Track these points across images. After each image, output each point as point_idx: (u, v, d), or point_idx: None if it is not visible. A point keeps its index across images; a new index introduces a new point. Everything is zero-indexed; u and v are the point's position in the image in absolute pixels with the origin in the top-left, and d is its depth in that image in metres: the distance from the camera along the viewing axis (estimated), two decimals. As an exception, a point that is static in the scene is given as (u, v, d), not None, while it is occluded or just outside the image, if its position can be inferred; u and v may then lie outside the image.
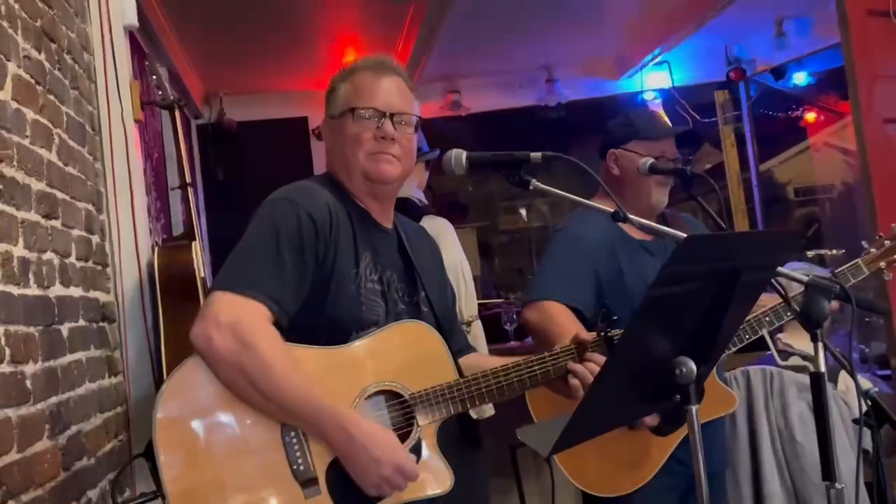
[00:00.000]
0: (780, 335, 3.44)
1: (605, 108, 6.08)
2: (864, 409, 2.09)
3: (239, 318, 1.64)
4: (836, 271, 2.49)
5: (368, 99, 1.87)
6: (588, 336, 1.90)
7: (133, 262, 2.86)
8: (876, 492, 2.24)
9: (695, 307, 1.50)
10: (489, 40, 5.23)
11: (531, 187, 1.94)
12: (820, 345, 1.65)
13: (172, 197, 4.29)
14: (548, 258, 2.53)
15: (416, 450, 1.76)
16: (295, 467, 1.67)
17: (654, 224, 1.98)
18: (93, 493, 2.35)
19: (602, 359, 1.85)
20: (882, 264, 2.53)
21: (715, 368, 2.34)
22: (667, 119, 2.76)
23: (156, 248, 3.01)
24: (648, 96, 6.06)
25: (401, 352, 1.81)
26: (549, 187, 1.96)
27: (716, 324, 1.55)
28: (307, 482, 1.67)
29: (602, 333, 1.88)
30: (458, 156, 1.96)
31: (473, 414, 3.71)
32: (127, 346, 2.83)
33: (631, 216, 1.89)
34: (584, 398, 1.48)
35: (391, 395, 1.78)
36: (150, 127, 3.87)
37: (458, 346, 2.03)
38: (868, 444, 2.23)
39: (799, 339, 3.43)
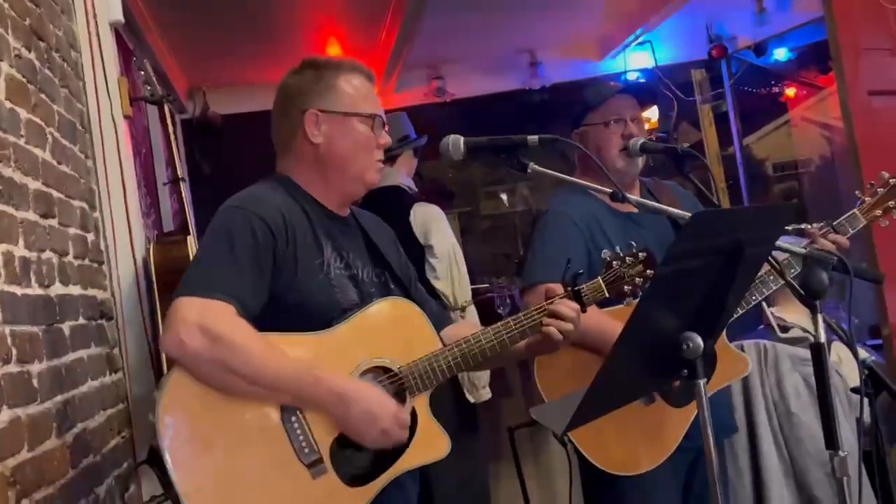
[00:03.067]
0: (771, 308, 3.47)
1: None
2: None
3: (204, 316, 1.67)
4: (835, 223, 2.50)
5: (375, 107, 1.94)
6: (558, 289, 1.94)
7: (128, 259, 2.85)
8: (875, 458, 2.29)
9: (701, 283, 1.52)
10: (472, 26, 5.21)
11: (529, 171, 1.97)
12: (819, 316, 1.68)
13: (161, 192, 4.28)
14: (538, 240, 2.53)
15: (412, 420, 1.80)
16: (299, 450, 1.71)
17: (652, 203, 2.01)
18: (100, 490, 2.35)
19: (573, 304, 1.89)
20: (878, 212, 2.55)
21: (725, 333, 2.37)
22: (614, 83, 2.81)
23: (151, 244, 2.99)
24: (632, 76, 6.06)
25: (385, 329, 1.86)
26: (547, 170, 1.99)
27: (721, 298, 1.57)
28: (313, 463, 1.71)
29: (569, 287, 1.92)
30: (456, 141, 1.98)
31: (471, 398, 3.73)
32: (126, 343, 2.84)
33: (630, 196, 1.92)
34: (597, 375, 1.50)
35: (382, 371, 1.83)
36: (138, 122, 3.85)
37: (432, 319, 2.03)
38: (866, 412, 2.28)
39: (790, 312, 3.46)
